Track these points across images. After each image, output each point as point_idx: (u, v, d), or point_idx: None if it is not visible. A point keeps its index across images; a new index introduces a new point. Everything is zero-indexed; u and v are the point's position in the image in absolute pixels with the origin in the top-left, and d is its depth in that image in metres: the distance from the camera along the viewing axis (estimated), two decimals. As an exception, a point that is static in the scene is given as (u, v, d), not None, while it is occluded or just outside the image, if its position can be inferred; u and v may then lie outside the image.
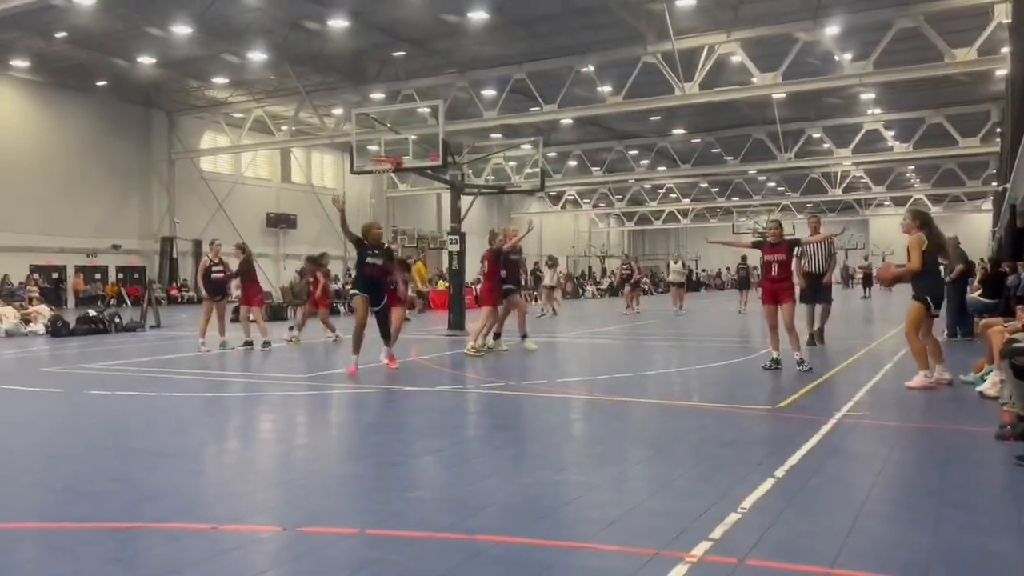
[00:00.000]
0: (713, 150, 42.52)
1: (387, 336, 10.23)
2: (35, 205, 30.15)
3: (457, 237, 16.41)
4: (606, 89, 27.52)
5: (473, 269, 24.04)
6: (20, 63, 29.20)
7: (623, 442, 6.06)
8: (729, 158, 41.61)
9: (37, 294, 23.38)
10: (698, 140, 41.25)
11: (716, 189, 55.98)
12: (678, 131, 40.37)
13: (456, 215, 16.65)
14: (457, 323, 16.32)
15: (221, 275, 13.32)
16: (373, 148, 16.99)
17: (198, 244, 37.12)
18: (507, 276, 12.20)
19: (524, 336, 12.46)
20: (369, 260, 9.71)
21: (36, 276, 29.28)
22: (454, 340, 14.77)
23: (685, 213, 60.18)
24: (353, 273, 12.65)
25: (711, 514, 3.98)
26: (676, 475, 4.92)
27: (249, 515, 4.18)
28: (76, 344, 15.04)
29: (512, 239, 12.33)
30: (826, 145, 38.10)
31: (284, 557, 3.57)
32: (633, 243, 73.12)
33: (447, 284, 24.81)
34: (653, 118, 36.48)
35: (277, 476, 5.12)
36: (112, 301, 29.44)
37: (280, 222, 41.30)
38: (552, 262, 25.74)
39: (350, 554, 3.57)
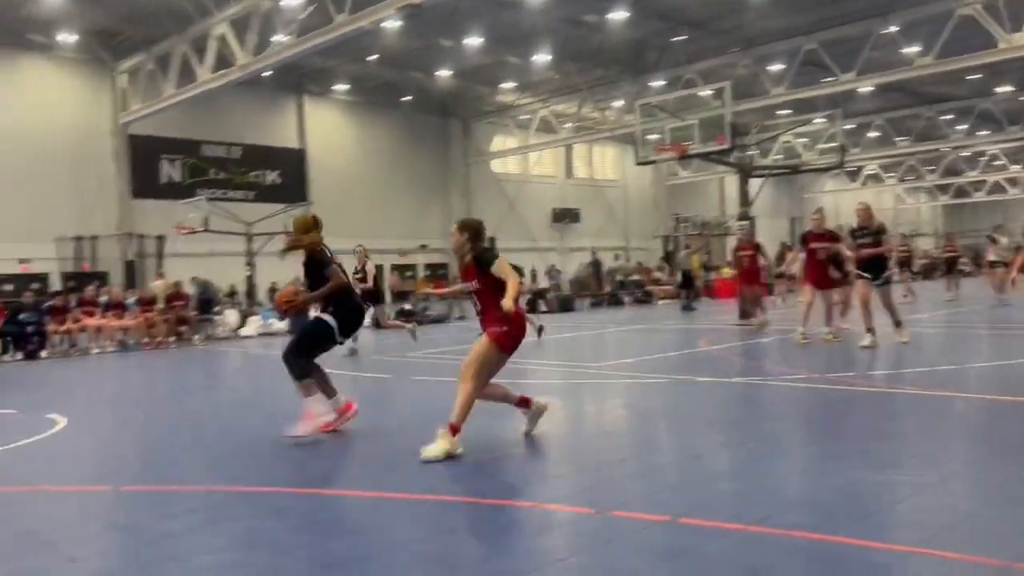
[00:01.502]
0: (1049, 107, 36.73)
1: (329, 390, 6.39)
2: (355, 211, 34.07)
3: (747, 222, 15.84)
4: (913, 50, 24.88)
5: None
6: (340, 87, 33.26)
7: (951, 441, 5.46)
8: (1071, 114, 35.67)
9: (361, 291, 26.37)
10: (1029, 97, 35.86)
11: (1056, 152, 48.20)
12: (1003, 89, 35.35)
13: (745, 199, 16.08)
14: (747, 312, 15.74)
15: (362, 281, 13.14)
16: (654, 137, 16.96)
17: (493, 241, 39.53)
18: (858, 261, 11.12)
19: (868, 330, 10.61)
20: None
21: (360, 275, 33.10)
22: (745, 330, 14.30)
23: (1014, 182, 52.55)
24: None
25: (1077, 527, 3.45)
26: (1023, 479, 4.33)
27: (564, 497, 4.38)
28: (395, 335, 16.76)
29: (817, 221, 11.58)
30: None
31: (598, 540, 3.68)
32: (949, 219, 65.39)
33: (735, 272, 24.14)
34: (971, 77, 32.27)
35: (587, 460, 5.28)
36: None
37: (565, 217, 42.73)
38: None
39: (663, 541, 3.59)
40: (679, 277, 26.36)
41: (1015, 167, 49.85)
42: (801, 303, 11.34)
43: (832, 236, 11.57)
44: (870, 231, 10.79)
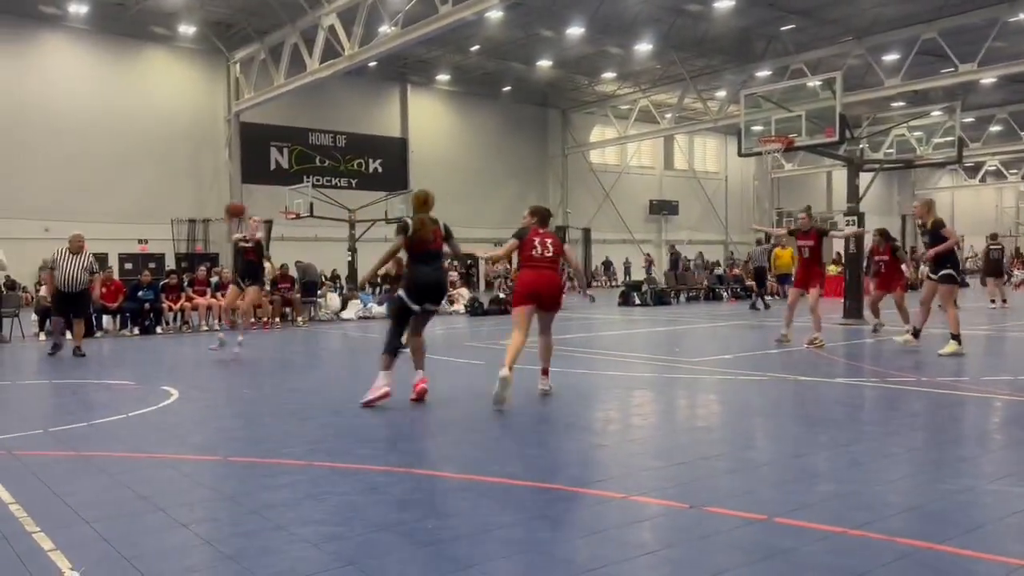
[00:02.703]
0: None
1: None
2: (452, 200, 34.40)
3: (855, 218, 15.24)
4: (1042, 38, 23.40)
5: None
6: (443, 77, 33.71)
7: (1077, 453, 5.12)
8: None
9: (458, 278, 26.73)
10: None
11: None
12: None
13: (854, 194, 15.45)
14: (854, 311, 15.18)
15: (251, 251, 11.93)
16: (758, 129, 16.50)
17: (587, 232, 39.42)
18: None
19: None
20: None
21: (455, 263, 33.54)
22: (850, 329, 13.80)
23: None
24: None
25: None
26: None
27: (658, 489, 4.34)
28: (490, 322, 16.94)
29: (803, 220, 11.99)
30: None
31: (690, 535, 3.63)
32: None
33: (840, 269, 23.22)
34: (1107, 68, 30.08)
35: (680, 455, 5.22)
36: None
37: (662, 209, 42.14)
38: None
39: (759, 540, 3.52)
40: (739, 272, 25.66)
41: None
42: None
43: (820, 233, 11.67)
44: (926, 229, 10.47)
